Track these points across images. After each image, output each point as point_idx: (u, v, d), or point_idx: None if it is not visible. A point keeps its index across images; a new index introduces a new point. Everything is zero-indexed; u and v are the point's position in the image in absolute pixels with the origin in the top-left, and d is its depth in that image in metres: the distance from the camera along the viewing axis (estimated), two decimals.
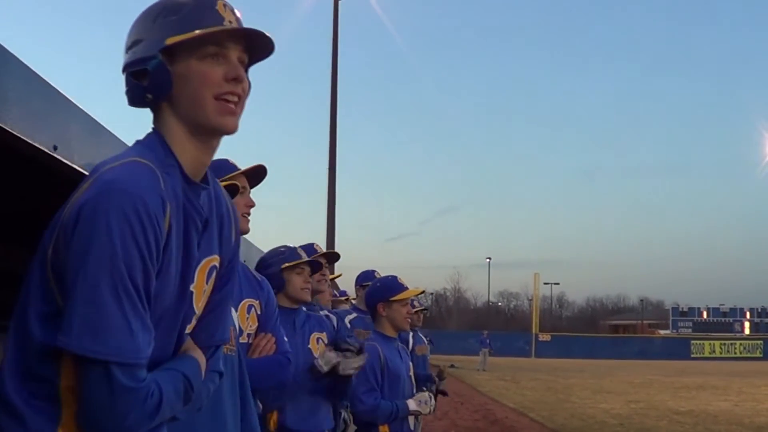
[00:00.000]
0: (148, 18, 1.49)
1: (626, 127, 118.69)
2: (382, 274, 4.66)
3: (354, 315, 5.11)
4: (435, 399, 4.30)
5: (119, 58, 1.51)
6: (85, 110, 2.09)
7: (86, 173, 1.93)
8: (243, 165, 2.56)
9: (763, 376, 27.74)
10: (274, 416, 3.26)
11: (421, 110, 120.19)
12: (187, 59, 1.44)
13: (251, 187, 2.55)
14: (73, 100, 2.01)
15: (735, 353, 55.06)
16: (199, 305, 1.57)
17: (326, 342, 3.52)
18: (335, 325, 3.82)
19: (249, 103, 1.52)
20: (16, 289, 1.42)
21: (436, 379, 5.75)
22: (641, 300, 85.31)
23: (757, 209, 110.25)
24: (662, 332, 68.05)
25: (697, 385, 23.36)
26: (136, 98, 1.49)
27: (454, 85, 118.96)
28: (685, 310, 69.12)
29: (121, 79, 1.49)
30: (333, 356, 3.28)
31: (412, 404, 3.92)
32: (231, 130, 1.48)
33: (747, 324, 66.85)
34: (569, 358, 47.37)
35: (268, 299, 2.90)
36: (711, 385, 23.39)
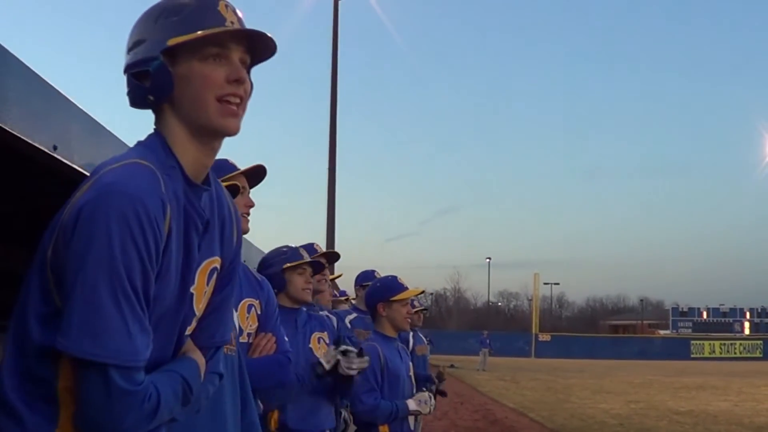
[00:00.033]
0: (150, 19, 1.48)
1: (626, 127, 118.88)
2: (382, 274, 4.66)
3: (354, 315, 5.12)
4: (434, 399, 4.30)
5: (119, 59, 1.51)
6: (85, 110, 2.09)
7: (86, 173, 1.94)
8: (243, 165, 2.56)
9: (762, 376, 27.74)
10: (275, 415, 3.26)
11: (421, 110, 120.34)
12: (189, 60, 1.44)
13: (251, 187, 2.55)
14: (73, 100, 2.01)
15: (735, 353, 55.06)
16: (199, 307, 1.57)
17: (327, 342, 3.53)
18: (335, 325, 3.82)
19: (249, 103, 1.51)
20: (16, 289, 1.42)
21: (436, 380, 5.75)
22: (641, 300, 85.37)
23: (757, 209, 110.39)
24: (662, 332, 68.05)
25: (697, 385, 23.35)
26: (137, 99, 1.48)
27: (454, 85, 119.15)
28: (684, 310, 69.13)
29: (121, 80, 1.49)
30: (334, 354, 3.28)
31: (411, 404, 3.92)
32: (233, 132, 1.48)
33: (747, 324, 66.86)
34: (569, 359, 47.36)
35: (268, 299, 2.91)
36: (711, 385, 23.38)
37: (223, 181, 1.77)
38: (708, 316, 67.75)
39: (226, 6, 1.48)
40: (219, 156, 1.57)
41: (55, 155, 1.88)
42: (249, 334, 2.80)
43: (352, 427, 3.86)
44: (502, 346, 46.24)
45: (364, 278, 5.44)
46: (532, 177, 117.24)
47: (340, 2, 19.71)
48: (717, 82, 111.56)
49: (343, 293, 6.45)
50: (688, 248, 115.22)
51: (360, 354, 3.34)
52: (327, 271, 4.22)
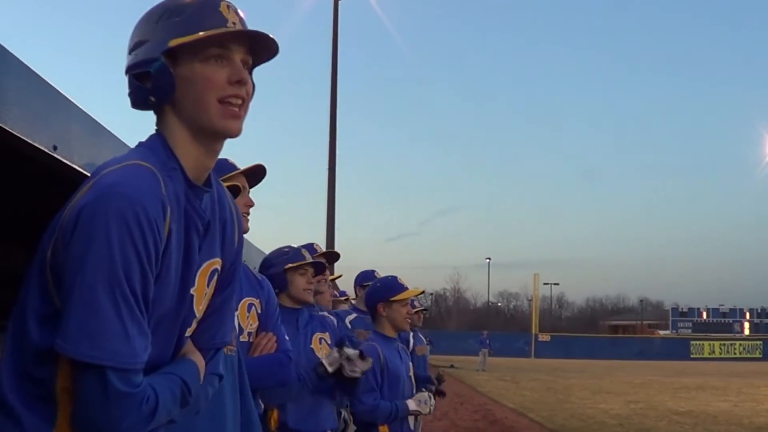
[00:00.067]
0: (151, 19, 1.47)
1: (626, 127, 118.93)
2: (382, 275, 4.66)
3: (354, 315, 5.11)
4: (434, 399, 4.30)
5: (119, 59, 1.51)
6: (85, 110, 2.09)
7: (86, 173, 1.94)
8: (242, 164, 2.56)
9: (762, 377, 27.74)
10: (275, 415, 3.26)
11: (421, 110, 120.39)
12: (191, 62, 1.43)
13: (250, 187, 2.55)
14: (73, 100, 2.01)
15: (734, 354, 55.07)
16: (199, 308, 1.56)
17: (329, 342, 3.53)
18: (336, 325, 3.82)
19: (250, 103, 1.51)
20: (16, 289, 1.42)
21: (435, 381, 5.76)
22: (641, 300, 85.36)
23: (756, 209, 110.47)
24: (662, 333, 68.10)
25: (697, 385, 23.35)
26: (139, 101, 1.48)
27: (454, 85, 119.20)
28: (684, 310, 69.14)
29: (122, 80, 1.49)
30: (338, 357, 3.28)
31: (411, 404, 3.92)
32: (234, 134, 1.47)
33: (746, 324, 66.88)
34: (569, 359, 47.38)
35: (269, 298, 2.91)
36: (710, 385, 23.38)
37: (223, 181, 1.77)
38: (708, 316, 67.76)
39: (228, 7, 1.47)
40: (219, 156, 1.57)
41: (55, 155, 1.87)
42: (249, 333, 2.81)
43: (352, 427, 3.86)
44: (502, 346, 46.27)
45: (364, 278, 5.44)
46: (532, 177, 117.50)
47: (340, 2, 19.73)
48: (717, 82, 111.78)
49: (342, 293, 6.45)
50: (688, 248, 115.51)
51: (362, 357, 3.34)
52: (327, 272, 4.22)
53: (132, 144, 1.53)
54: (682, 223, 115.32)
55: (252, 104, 1.51)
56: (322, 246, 4.42)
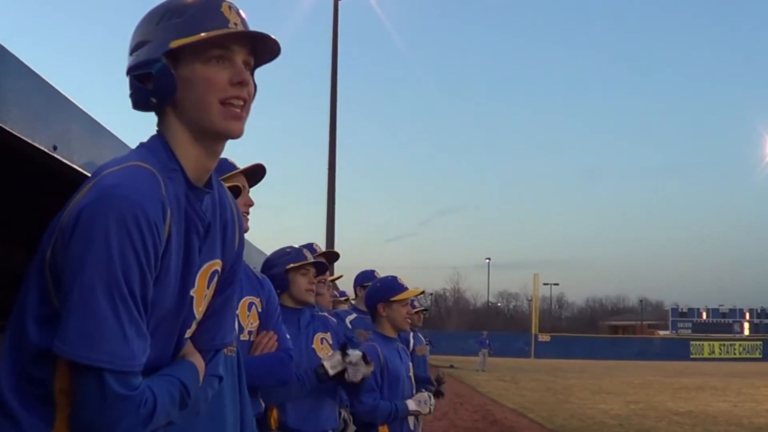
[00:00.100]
0: (152, 20, 1.46)
1: (626, 127, 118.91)
2: (382, 275, 4.66)
3: (354, 315, 5.12)
4: (434, 399, 4.30)
5: (119, 59, 1.51)
6: (85, 110, 2.09)
7: (86, 173, 1.94)
8: (242, 164, 2.56)
9: (762, 377, 27.74)
10: (275, 414, 3.26)
11: (421, 110, 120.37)
12: (192, 63, 1.43)
13: (250, 187, 2.55)
14: (72, 100, 2.00)
15: (734, 354, 55.08)
16: (199, 310, 1.56)
17: (330, 342, 3.53)
18: (338, 326, 3.82)
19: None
20: (16, 289, 1.42)
21: (435, 383, 5.76)
22: (641, 301, 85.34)
23: (756, 210, 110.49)
24: (661, 333, 68.11)
25: (697, 385, 23.35)
26: (140, 102, 1.47)
27: (454, 85, 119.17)
28: (684, 310, 69.14)
29: (122, 80, 1.49)
30: (340, 361, 3.28)
31: (411, 404, 3.92)
32: (236, 135, 1.46)
33: (746, 325, 66.90)
34: (569, 359, 47.37)
35: (269, 297, 2.91)
36: (710, 385, 23.38)
37: (223, 180, 1.76)
38: (707, 316, 67.77)
39: (230, 7, 1.46)
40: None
41: (55, 155, 1.87)
42: (250, 332, 2.81)
43: (352, 427, 3.86)
44: (502, 346, 46.28)
45: (364, 278, 5.44)
46: (532, 177, 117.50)
47: (340, 2, 19.72)
48: (717, 82, 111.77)
49: (342, 294, 6.45)
50: (688, 249, 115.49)
51: (365, 361, 3.35)
52: (327, 274, 4.22)
53: (132, 144, 1.52)
54: (682, 223, 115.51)
55: (252, 104, 1.50)
56: (322, 246, 4.42)
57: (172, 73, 1.42)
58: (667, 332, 67.16)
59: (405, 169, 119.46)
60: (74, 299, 1.27)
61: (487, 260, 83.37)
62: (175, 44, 1.41)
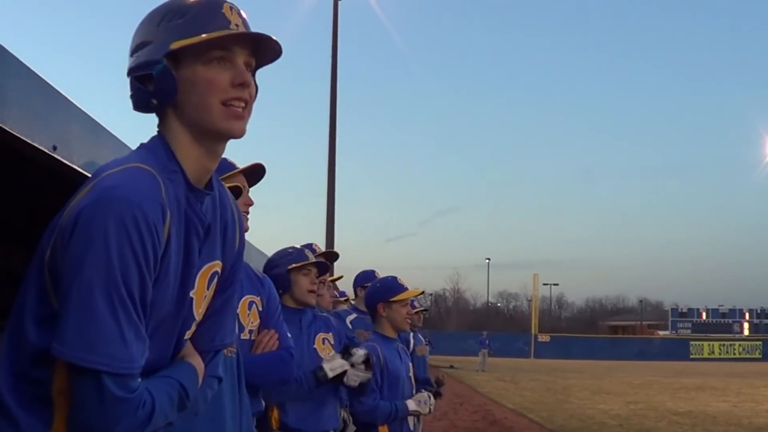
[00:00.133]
0: (153, 21, 1.46)
1: (626, 127, 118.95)
2: (382, 275, 4.66)
3: (354, 315, 5.12)
4: (433, 399, 4.30)
5: (119, 59, 1.51)
6: (85, 110, 2.09)
7: (86, 173, 1.94)
8: (242, 164, 2.56)
9: (762, 377, 27.74)
10: (276, 414, 3.26)
11: (421, 110, 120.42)
12: (193, 64, 1.42)
13: (250, 186, 2.55)
14: (72, 101, 2.01)
15: (734, 354, 55.08)
16: (199, 311, 1.55)
17: (332, 343, 3.53)
18: (339, 327, 3.83)
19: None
20: (15, 289, 1.42)
21: (435, 384, 5.77)
22: (640, 301, 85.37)
23: (756, 210, 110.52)
24: (661, 333, 68.13)
25: (696, 386, 23.35)
26: (140, 103, 1.46)
27: (454, 85, 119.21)
28: (684, 311, 69.15)
29: (122, 80, 1.48)
30: (341, 364, 3.28)
31: (411, 404, 3.92)
32: (238, 135, 1.46)
33: (746, 325, 66.92)
34: (568, 359, 47.38)
35: (270, 296, 2.92)
36: (710, 386, 23.38)
37: (223, 180, 1.76)
38: (707, 316, 67.78)
39: (231, 8, 1.46)
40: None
41: (55, 155, 1.87)
42: (251, 331, 2.82)
43: (351, 428, 3.86)
44: (502, 346, 46.29)
45: (364, 279, 5.44)
46: (531, 177, 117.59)
47: (340, 2, 19.72)
48: (717, 82, 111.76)
49: (342, 294, 6.45)
50: (688, 249, 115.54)
51: (367, 366, 3.35)
52: (326, 275, 4.22)
53: (132, 144, 1.52)
54: (681, 224, 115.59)
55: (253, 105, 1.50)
56: (322, 246, 4.42)
57: (173, 75, 1.41)
58: (667, 332, 67.17)
59: (405, 169, 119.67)
60: (73, 301, 1.26)
61: (487, 260, 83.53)
62: (175, 45, 1.41)
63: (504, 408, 15.84)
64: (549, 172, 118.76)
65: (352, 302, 5.87)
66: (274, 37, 1.44)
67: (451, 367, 31.85)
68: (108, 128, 2.23)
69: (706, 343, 56.70)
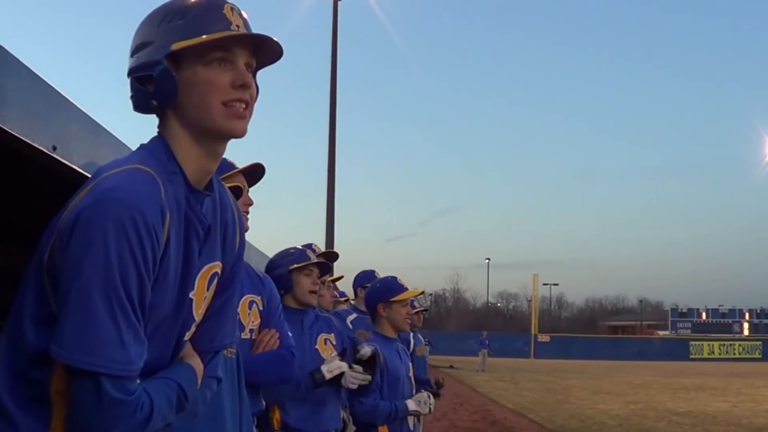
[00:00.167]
0: (154, 21, 1.45)
1: (626, 127, 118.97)
2: (382, 275, 4.66)
3: (354, 315, 5.12)
4: (433, 399, 4.30)
5: (119, 59, 1.50)
6: (85, 111, 2.09)
7: (85, 173, 1.94)
8: (241, 164, 2.56)
9: (762, 377, 27.75)
10: (277, 415, 3.26)
11: (421, 110, 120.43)
12: (194, 65, 1.41)
13: (249, 186, 2.55)
14: (72, 101, 2.01)
15: (734, 354, 55.10)
16: (198, 312, 1.55)
17: (334, 343, 3.53)
18: (342, 327, 3.83)
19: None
20: (15, 289, 1.42)
21: (434, 386, 5.77)
22: (640, 301, 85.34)
23: (756, 210, 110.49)
24: (661, 333, 68.13)
25: (696, 386, 23.35)
26: (140, 104, 1.46)
27: (454, 85, 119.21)
28: (684, 311, 69.12)
29: (121, 80, 1.48)
30: (338, 366, 3.28)
31: (411, 404, 3.92)
32: (240, 134, 1.45)
33: (746, 325, 66.89)
34: (568, 359, 47.38)
35: (271, 295, 2.92)
36: (710, 386, 23.38)
37: (223, 180, 1.76)
38: (707, 316, 67.75)
39: (232, 9, 1.45)
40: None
41: (55, 156, 1.87)
42: (251, 331, 2.82)
43: (351, 428, 3.86)
44: (501, 346, 46.32)
45: (364, 279, 5.43)
46: (531, 177, 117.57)
47: (339, 2, 19.72)
48: (717, 82, 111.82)
49: (342, 294, 6.45)
50: (688, 249, 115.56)
51: (372, 361, 3.35)
52: (326, 275, 4.22)
53: (131, 144, 1.52)
54: (681, 224, 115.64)
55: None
56: (321, 246, 4.42)
57: (174, 76, 1.41)
58: (667, 332, 67.15)
59: (405, 169, 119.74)
60: (71, 303, 1.26)
61: (487, 260, 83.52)
62: (176, 46, 1.40)
63: (504, 408, 15.84)
64: (549, 172, 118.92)
65: (352, 302, 5.86)
66: (275, 39, 1.43)
67: (451, 367, 31.87)
68: (108, 128, 2.23)
69: (705, 343, 56.71)
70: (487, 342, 34.72)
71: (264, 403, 2.94)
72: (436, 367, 27.44)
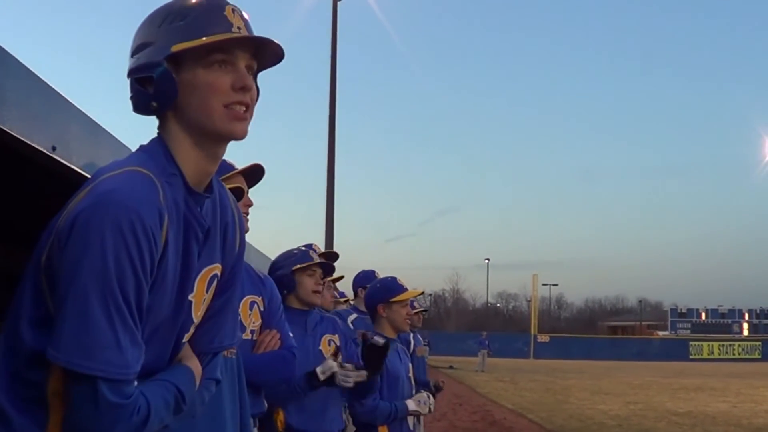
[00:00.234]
0: (154, 22, 1.44)
1: (626, 127, 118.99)
2: (382, 275, 4.66)
3: (354, 315, 5.11)
4: (433, 399, 4.30)
5: (119, 60, 1.50)
6: (84, 111, 2.09)
7: (85, 174, 1.94)
8: (240, 165, 2.56)
9: (761, 378, 27.76)
10: (281, 416, 3.25)
11: (420, 110, 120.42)
12: (194, 67, 1.41)
13: (249, 187, 2.55)
14: (72, 101, 2.00)
15: (733, 354, 55.11)
16: (198, 314, 1.55)
17: (338, 344, 3.52)
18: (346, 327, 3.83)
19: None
20: (14, 290, 1.42)
21: (433, 389, 5.77)
22: (640, 301, 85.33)
23: (756, 210, 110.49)
24: (661, 333, 68.12)
25: (696, 386, 23.36)
26: (140, 105, 1.45)
27: (454, 85, 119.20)
28: (683, 311, 69.12)
29: (121, 81, 1.47)
30: (329, 366, 3.28)
31: (411, 404, 3.92)
32: (240, 137, 1.44)
33: (745, 325, 66.89)
34: (568, 359, 47.40)
35: (272, 296, 2.92)
36: (709, 386, 23.39)
37: (223, 181, 1.75)
38: (707, 317, 67.75)
39: (233, 11, 1.44)
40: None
41: (54, 156, 1.87)
42: (252, 331, 2.82)
43: (351, 428, 3.86)
44: (501, 347, 46.37)
45: (364, 279, 5.43)
46: (531, 177, 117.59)
47: (339, 2, 19.72)
48: (717, 82, 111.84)
49: (342, 294, 6.45)
50: (687, 249, 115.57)
51: (382, 351, 3.34)
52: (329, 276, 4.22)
53: (131, 145, 1.52)
54: (681, 224, 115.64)
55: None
56: (321, 247, 4.42)
57: (174, 78, 1.40)
58: (666, 333, 67.15)
59: (405, 169, 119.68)
60: (68, 306, 1.26)
61: (487, 261, 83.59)
62: (176, 48, 1.39)
63: (503, 408, 15.84)
64: (549, 172, 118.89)
65: (352, 302, 5.86)
66: (276, 41, 1.42)
67: (451, 367, 31.88)
68: (107, 129, 2.23)
69: (705, 344, 56.72)
70: (486, 342, 34.72)
71: (266, 404, 2.94)
72: (435, 367, 27.44)
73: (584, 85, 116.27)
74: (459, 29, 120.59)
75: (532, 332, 56.42)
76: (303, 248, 3.54)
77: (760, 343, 56.54)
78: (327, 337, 3.51)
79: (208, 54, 1.41)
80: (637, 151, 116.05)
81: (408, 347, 5.47)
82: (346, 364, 3.28)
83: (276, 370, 2.79)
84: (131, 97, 1.46)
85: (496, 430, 12.48)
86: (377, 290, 4.06)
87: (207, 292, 1.55)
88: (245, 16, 1.46)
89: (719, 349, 55.88)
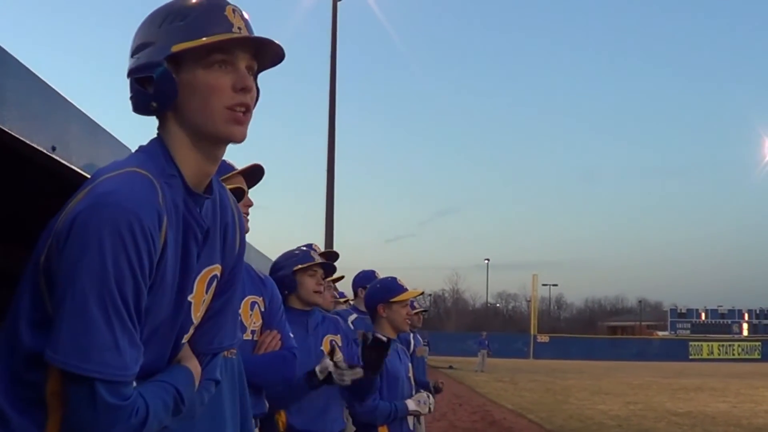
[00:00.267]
0: (154, 22, 1.44)
1: (626, 127, 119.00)
2: (382, 275, 4.65)
3: (354, 316, 5.11)
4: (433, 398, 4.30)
5: (119, 60, 1.49)
6: (84, 111, 2.09)
7: (85, 174, 1.93)
8: (240, 165, 2.56)
9: (761, 378, 27.76)
10: (283, 417, 3.25)
11: (420, 110, 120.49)
12: (194, 68, 1.40)
13: (249, 187, 2.55)
14: (71, 101, 2.00)
15: (733, 355, 55.13)
16: (197, 315, 1.54)
17: (340, 345, 3.52)
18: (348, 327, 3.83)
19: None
20: (13, 290, 1.41)
21: (433, 390, 5.77)
22: (639, 301, 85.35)
23: (756, 210, 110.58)
24: (660, 333, 68.15)
25: (696, 386, 23.36)
26: (140, 106, 1.45)
27: (454, 85, 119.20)
28: (683, 311, 69.15)
29: (121, 81, 1.47)
30: (326, 366, 3.28)
31: (411, 404, 3.92)
32: (239, 139, 1.44)
33: (745, 325, 66.95)
34: (567, 360, 47.43)
35: (272, 296, 2.92)
36: (709, 386, 23.40)
37: (223, 182, 1.75)
38: (706, 317, 67.79)
39: (234, 11, 1.43)
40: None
41: (54, 156, 1.87)
42: (253, 332, 2.82)
43: (351, 428, 3.86)
44: (501, 347, 46.40)
45: (364, 279, 5.43)
46: (531, 178, 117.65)
47: (339, 2, 19.71)
48: (717, 83, 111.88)
49: (341, 294, 6.45)
50: (687, 249, 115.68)
51: (380, 349, 3.34)
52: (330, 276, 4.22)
53: (130, 145, 1.52)
54: (681, 224, 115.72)
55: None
56: (321, 247, 4.42)
57: (174, 78, 1.40)
58: (666, 333, 67.19)
59: (404, 170, 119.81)
60: (67, 308, 1.25)
61: (486, 261, 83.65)
62: (176, 49, 1.39)
63: (503, 408, 15.85)
64: (549, 172, 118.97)
65: (352, 302, 5.86)
66: (276, 41, 1.42)
67: (450, 367, 31.89)
68: (107, 129, 2.23)
69: (705, 344, 56.75)
70: (486, 342, 34.72)
71: (267, 404, 2.93)
72: (435, 367, 27.44)
73: (584, 85, 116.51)
74: (459, 29, 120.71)
75: (532, 332, 56.44)
76: (304, 248, 3.54)
77: (759, 343, 56.58)
78: (329, 337, 3.51)
79: (209, 54, 1.40)
80: (637, 151, 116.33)
81: (408, 347, 5.47)
82: (340, 363, 3.28)
83: (277, 370, 2.79)
84: (131, 97, 1.45)
85: (496, 430, 12.48)
86: (377, 290, 4.06)
87: (206, 292, 1.55)
88: (245, 16, 1.46)
89: (719, 350, 55.91)
